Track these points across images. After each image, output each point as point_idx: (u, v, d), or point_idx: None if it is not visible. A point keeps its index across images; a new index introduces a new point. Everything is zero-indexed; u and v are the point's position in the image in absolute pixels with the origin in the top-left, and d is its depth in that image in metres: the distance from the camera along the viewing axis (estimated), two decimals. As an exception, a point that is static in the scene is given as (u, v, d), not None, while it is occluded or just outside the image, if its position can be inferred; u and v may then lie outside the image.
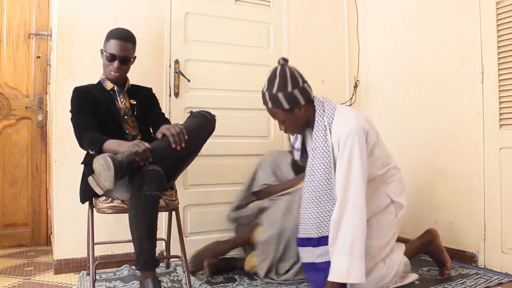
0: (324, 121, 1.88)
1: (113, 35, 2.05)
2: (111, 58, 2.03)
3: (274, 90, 1.86)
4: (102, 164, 1.67)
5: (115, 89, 2.11)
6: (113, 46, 2.02)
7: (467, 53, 2.49)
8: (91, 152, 1.90)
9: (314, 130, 1.90)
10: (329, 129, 1.86)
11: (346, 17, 3.28)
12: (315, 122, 1.90)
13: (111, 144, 1.84)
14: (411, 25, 2.88)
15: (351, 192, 1.77)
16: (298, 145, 2.13)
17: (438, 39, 2.68)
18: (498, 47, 2.30)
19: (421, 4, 2.81)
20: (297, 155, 2.17)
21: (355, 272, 1.73)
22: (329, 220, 1.80)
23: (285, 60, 1.90)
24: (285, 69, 1.89)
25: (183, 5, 2.70)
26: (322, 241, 1.82)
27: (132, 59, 2.11)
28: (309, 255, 1.86)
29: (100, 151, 1.84)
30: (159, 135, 1.88)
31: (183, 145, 1.85)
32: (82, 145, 1.95)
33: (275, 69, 1.90)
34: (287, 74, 1.89)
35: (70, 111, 2.02)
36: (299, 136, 2.11)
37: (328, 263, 1.80)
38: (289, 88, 1.86)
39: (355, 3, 3.29)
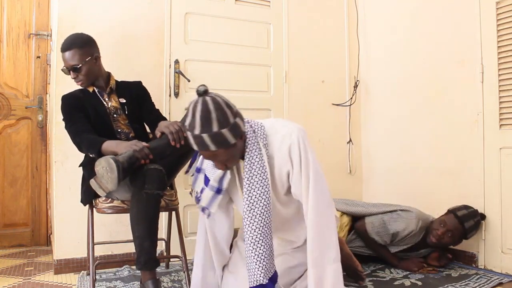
0: (259, 142, 1.57)
1: (60, 48, 2.02)
2: (66, 71, 2.02)
3: (215, 128, 1.43)
4: (105, 167, 1.67)
5: (96, 91, 2.09)
6: (63, 59, 2.00)
7: (467, 53, 2.49)
8: (90, 155, 1.91)
9: (249, 156, 1.55)
10: (265, 149, 1.57)
11: (346, 17, 3.28)
12: (249, 146, 1.56)
13: (109, 145, 1.85)
14: (411, 25, 2.88)
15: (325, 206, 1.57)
16: (226, 184, 1.65)
17: (438, 39, 2.68)
18: (498, 47, 2.30)
19: (421, 4, 2.81)
20: (208, 196, 1.67)
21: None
22: (273, 255, 1.57)
23: (206, 87, 1.50)
24: (217, 99, 1.49)
25: (183, 5, 2.70)
26: (272, 280, 1.56)
27: (84, 64, 1.98)
28: None
29: (99, 152, 1.84)
30: (158, 133, 1.89)
31: (182, 142, 1.85)
32: (81, 149, 1.95)
33: (204, 103, 1.46)
34: (221, 103, 1.48)
35: (63, 119, 2.02)
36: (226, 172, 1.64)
37: None
38: (231, 119, 1.47)
39: (355, 3, 3.29)
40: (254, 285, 1.53)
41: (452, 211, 2.30)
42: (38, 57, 3.09)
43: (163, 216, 2.49)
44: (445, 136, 2.63)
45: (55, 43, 2.46)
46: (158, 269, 1.85)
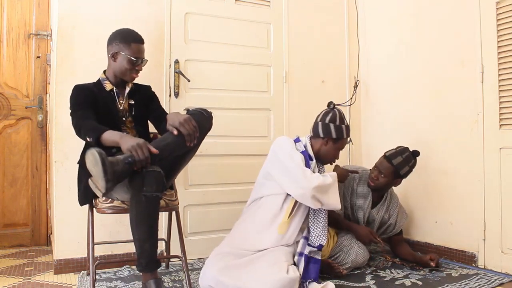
0: None
1: (133, 39, 2.04)
2: (137, 62, 2.03)
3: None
4: (91, 160, 1.63)
5: (115, 90, 2.09)
6: (138, 51, 2.03)
7: (467, 53, 2.49)
8: (88, 139, 1.82)
9: None
10: None
11: (346, 17, 3.28)
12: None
13: (112, 134, 1.78)
14: (411, 25, 2.88)
15: None
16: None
17: (438, 39, 2.68)
18: (498, 47, 2.30)
19: (421, 4, 2.81)
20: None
21: None
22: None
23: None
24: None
25: (183, 5, 2.70)
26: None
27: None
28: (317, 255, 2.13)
29: (98, 139, 1.78)
30: (172, 129, 1.86)
31: (195, 141, 1.89)
32: (79, 133, 1.88)
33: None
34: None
35: (70, 107, 1.99)
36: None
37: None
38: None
39: (355, 3, 3.29)
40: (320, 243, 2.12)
41: (383, 155, 2.49)
42: (38, 57, 3.09)
43: (163, 216, 2.49)
44: (445, 136, 2.63)
45: (55, 43, 2.46)
46: (158, 269, 1.85)
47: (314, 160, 2.22)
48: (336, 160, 2.30)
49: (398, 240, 2.64)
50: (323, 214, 2.16)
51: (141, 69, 2.09)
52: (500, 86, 2.31)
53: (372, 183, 2.48)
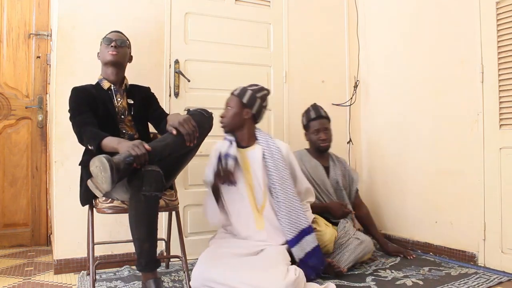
0: (268, 139, 2.26)
1: (108, 32, 2.16)
2: (109, 41, 2.09)
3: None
4: (98, 166, 1.65)
5: (112, 88, 2.10)
6: (110, 35, 2.12)
7: (467, 53, 2.49)
8: (89, 147, 1.88)
9: (269, 144, 2.22)
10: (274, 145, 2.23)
11: (346, 17, 3.28)
12: (259, 136, 2.27)
13: (111, 141, 1.83)
14: (411, 25, 2.88)
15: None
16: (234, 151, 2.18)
17: (438, 39, 2.68)
18: (498, 47, 2.30)
19: (421, 4, 2.81)
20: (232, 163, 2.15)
21: None
22: (301, 216, 2.14)
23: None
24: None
25: (183, 5, 2.70)
26: (301, 234, 2.12)
27: (126, 46, 2.15)
28: (299, 251, 2.12)
29: (99, 146, 1.82)
30: (172, 129, 1.87)
31: (195, 141, 1.89)
32: (81, 140, 1.93)
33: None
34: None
35: (69, 110, 2.01)
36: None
37: (317, 247, 2.13)
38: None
39: (355, 3, 3.29)
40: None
41: (315, 117, 2.64)
42: (38, 57, 3.09)
43: (163, 216, 2.49)
44: (445, 136, 2.63)
45: (55, 43, 2.46)
46: (158, 269, 1.85)
47: (233, 143, 2.18)
48: (223, 121, 2.22)
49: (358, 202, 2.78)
50: (284, 205, 2.15)
51: (115, 45, 2.08)
52: (500, 86, 2.31)
53: (326, 143, 2.64)
